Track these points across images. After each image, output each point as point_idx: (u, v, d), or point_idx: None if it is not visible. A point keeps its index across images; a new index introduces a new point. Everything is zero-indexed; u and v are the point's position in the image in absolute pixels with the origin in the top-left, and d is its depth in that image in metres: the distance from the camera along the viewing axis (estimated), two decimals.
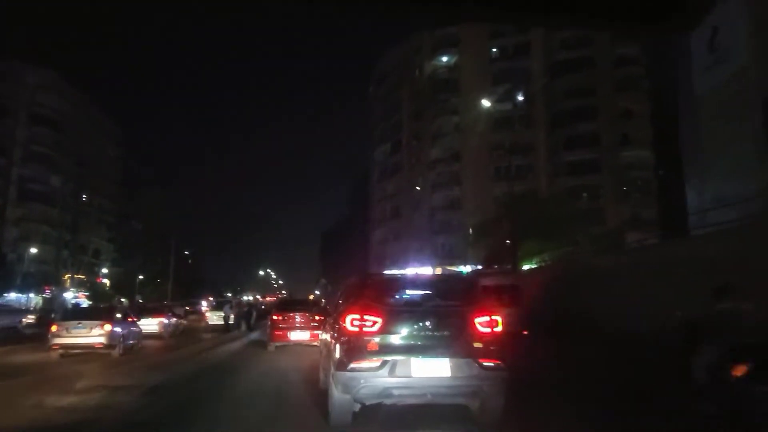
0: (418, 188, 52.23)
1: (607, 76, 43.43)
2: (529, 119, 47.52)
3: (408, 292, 6.62)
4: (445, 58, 52.60)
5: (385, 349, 5.77)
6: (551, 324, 15.14)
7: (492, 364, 5.82)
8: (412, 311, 6.11)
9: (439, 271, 39.66)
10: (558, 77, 45.22)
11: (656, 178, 36.48)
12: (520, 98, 47.18)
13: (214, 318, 30.01)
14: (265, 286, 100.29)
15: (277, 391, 9.02)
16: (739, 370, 5.22)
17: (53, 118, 56.80)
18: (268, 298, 63.96)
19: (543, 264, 25.42)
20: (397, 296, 6.49)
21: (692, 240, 14.31)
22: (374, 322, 5.87)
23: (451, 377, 5.75)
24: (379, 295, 6.35)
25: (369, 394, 5.82)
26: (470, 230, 38.49)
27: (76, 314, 17.52)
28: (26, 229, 54.44)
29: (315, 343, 12.53)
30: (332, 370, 6.16)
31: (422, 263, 43.63)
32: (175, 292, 53.30)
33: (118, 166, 69.50)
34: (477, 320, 5.97)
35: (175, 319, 24.88)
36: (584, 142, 43.19)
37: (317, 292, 63.91)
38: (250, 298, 66.11)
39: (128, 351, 15.75)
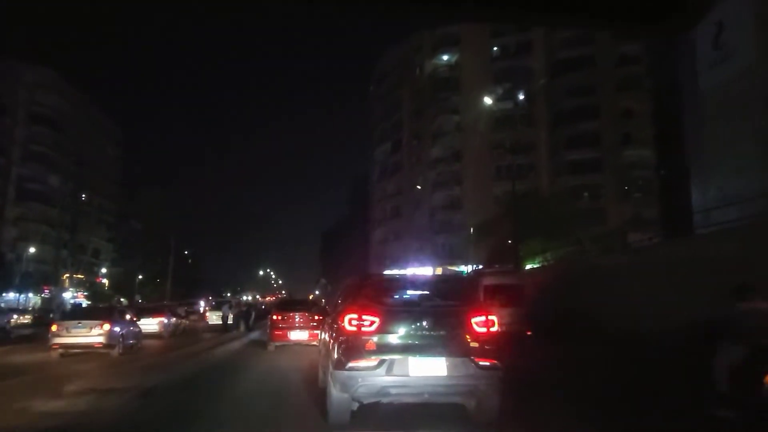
0: (418, 188, 52.04)
1: (608, 75, 43.31)
2: (531, 118, 47.45)
3: (406, 292, 6.67)
4: (445, 57, 52.49)
5: (383, 348, 5.80)
6: (553, 324, 15.05)
7: (488, 364, 5.84)
8: (409, 311, 6.14)
9: (439, 271, 39.61)
10: (559, 76, 45.19)
11: (658, 178, 36.51)
12: (521, 97, 47.18)
13: (214, 318, 30.09)
14: (264, 286, 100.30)
15: (277, 390, 9.05)
16: None
17: (52, 118, 56.76)
18: (267, 298, 63.98)
19: (545, 264, 25.37)
20: (395, 296, 6.53)
21: (697, 239, 14.16)
22: (372, 322, 5.90)
23: (447, 376, 5.77)
24: (377, 295, 6.39)
25: (367, 392, 5.85)
26: (471, 230, 38.40)
27: (76, 314, 17.66)
28: (25, 229, 54.36)
29: (314, 343, 12.61)
30: (331, 369, 6.20)
31: (423, 263, 43.54)
32: (175, 292, 53.24)
33: (117, 166, 69.55)
34: (473, 320, 6.00)
35: (175, 319, 24.89)
36: (586, 142, 43.12)
37: (317, 292, 63.95)
38: (250, 298, 66.22)
39: (128, 350, 15.80)
